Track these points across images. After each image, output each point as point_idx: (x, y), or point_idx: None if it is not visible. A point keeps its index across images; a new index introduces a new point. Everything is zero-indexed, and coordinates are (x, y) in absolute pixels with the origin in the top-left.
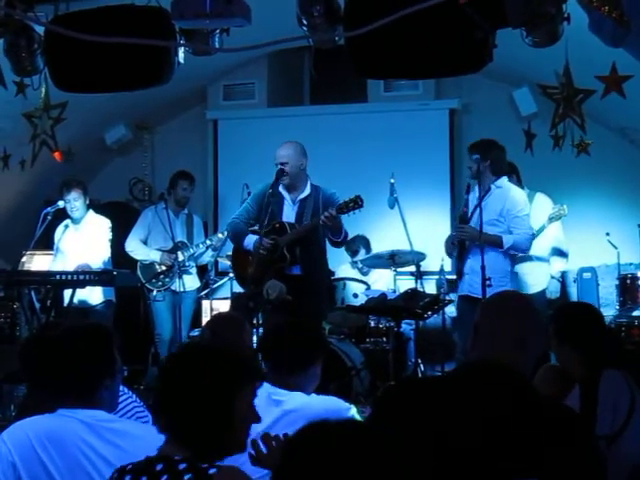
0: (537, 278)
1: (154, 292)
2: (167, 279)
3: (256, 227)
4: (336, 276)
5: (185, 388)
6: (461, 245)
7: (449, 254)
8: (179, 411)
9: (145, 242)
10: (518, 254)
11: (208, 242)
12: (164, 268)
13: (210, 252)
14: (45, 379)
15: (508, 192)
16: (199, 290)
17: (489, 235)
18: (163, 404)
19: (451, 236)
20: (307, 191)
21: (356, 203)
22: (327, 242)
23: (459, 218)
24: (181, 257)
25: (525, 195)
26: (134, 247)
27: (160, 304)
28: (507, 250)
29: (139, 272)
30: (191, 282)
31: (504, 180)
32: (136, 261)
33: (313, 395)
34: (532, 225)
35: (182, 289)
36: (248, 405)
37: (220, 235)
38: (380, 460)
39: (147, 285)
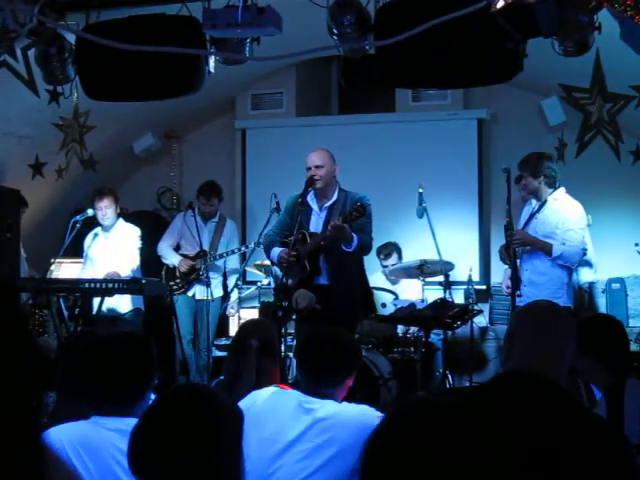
0: None
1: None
2: (183, 283)
3: (291, 238)
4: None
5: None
6: (509, 254)
7: (504, 262)
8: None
9: (177, 247)
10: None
11: (231, 253)
12: (180, 273)
13: (237, 257)
14: (88, 385)
15: (565, 205)
16: (223, 299)
17: (540, 240)
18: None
19: (502, 246)
20: (334, 197)
21: (358, 211)
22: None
23: (504, 228)
24: (198, 265)
25: (582, 209)
26: (162, 251)
27: (179, 305)
28: (554, 259)
29: (163, 275)
30: (215, 291)
31: (561, 192)
32: (161, 270)
33: (344, 403)
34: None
35: (210, 297)
36: None
37: (250, 246)
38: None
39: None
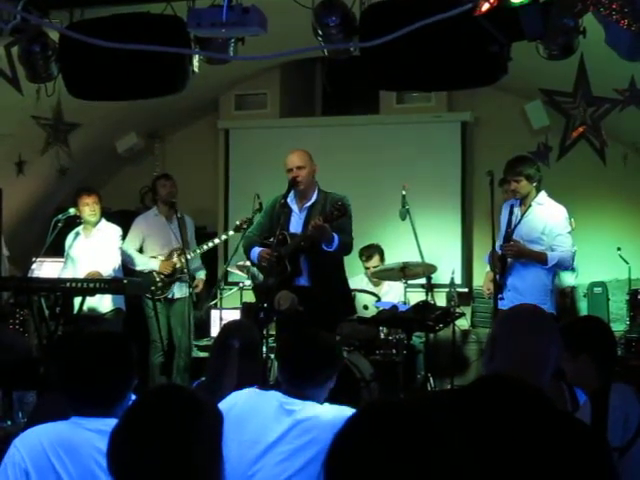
0: None
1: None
2: (165, 286)
3: (272, 239)
4: None
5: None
6: (503, 261)
7: (493, 269)
8: None
9: (141, 250)
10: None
11: (205, 247)
12: (163, 276)
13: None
14: (67, 385)
15: (550, 209)
16: (191, 297)
17: (534, 251)
18: None
19: (490, 253)
20: (314, 198)
21: (339, 211)
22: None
23: (504, 238)
24: (178, 264)
25: (566, 212)
26: (132, 257)
27: (152, 311)
28: (551, 267)
29: None
30: (185, 289)
31: (544, 196)
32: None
33: (326, 405)
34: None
35: (180, 295)
36: None
37: (216, 240)
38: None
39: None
